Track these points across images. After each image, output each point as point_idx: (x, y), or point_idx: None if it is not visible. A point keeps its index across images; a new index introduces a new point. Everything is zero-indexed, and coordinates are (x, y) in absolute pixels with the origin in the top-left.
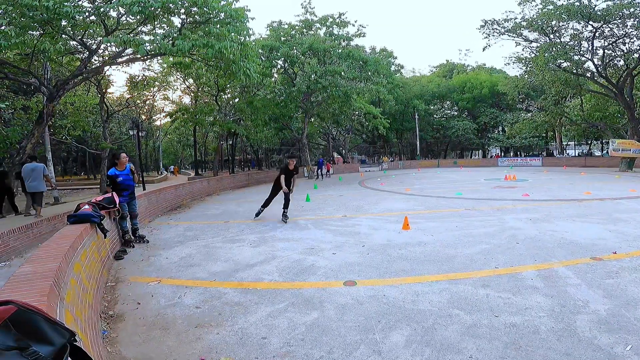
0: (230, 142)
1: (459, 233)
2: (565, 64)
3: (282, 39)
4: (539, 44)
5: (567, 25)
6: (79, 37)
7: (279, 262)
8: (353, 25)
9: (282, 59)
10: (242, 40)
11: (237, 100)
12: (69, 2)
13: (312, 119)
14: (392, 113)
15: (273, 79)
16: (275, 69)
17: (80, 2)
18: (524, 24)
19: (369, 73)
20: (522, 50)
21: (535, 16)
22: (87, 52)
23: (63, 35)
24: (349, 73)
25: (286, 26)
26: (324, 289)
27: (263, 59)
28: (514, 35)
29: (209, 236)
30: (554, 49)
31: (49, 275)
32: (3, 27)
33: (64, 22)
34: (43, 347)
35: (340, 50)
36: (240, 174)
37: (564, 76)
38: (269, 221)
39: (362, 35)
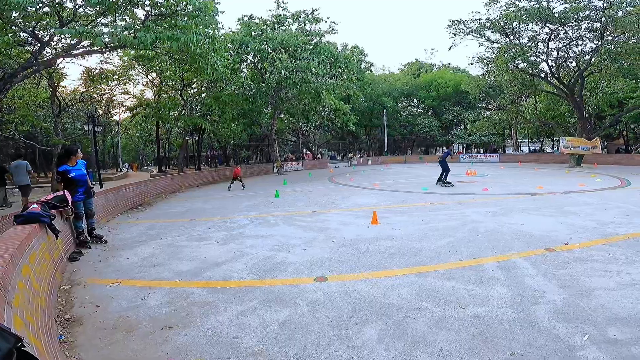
0: (197, 138)
1: (425, 227)
2: (522, 65)
3: (253, 33)
4: (499, 45)
5: (526, 27)
6: (30, 28)
7: (248, 259)
8: (325, 21)
9: (252, 54)
10: (210, 33)
11: (204, 95)
12: None
13: (282, 115)
14: (362, 110)
15: (242, 74)
16: (245, 64)
17: None
18: (488, 24)
19: (340, 70)
20: (485, 50)
21: (498, 17)
22: (39, 44)
23: (13, 27)
24: (319, 69)
25: (257, 21)
26: (295, 286)
27: (232, 53)
28: (478, 35)
29: (174, 235)
30: (512, 50)
31: None
32: None
33: (14, 14)
34: None
35: (311, 47)
36: (207, 171)
37: (520, 76)
38: (237, 218)
39: (334, 32)
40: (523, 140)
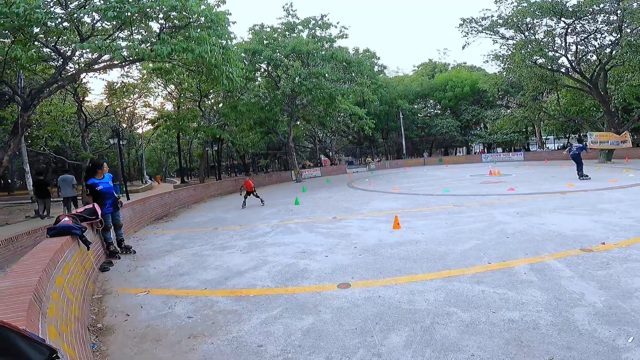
0: (216, 148)
1: (449, 230)
2: (540, 60)
3: (265, 42)
4: (515, 41)
5: (540, 22)
6: (53, 44)
7: (270, 267)
8: (335, 26)
9: (265, 62)
10: (223, 44)
11: (220, 105)
12: (41, 9)
13: (298, 122)
14: (377, 113)
15: (257, 82)
16: (259, 72)
17: (52, 9)
18: (500, 21)
19: (353, 74)
20: (500, 47)
21: (510, 13)
22: (62, 60)
23: (35, 43)
24: (333, 75)
25: (268, 29)
26: (319, 293)
27: (246, 62)
28: (491, 33)
29: (198, 244)
30: (529, 45)
31: (29, 290)
32: None
33: (36, 29)
34: None
35: (323, 52)
36: (227, 180)
37: (540, 72)
38: (258, 227)
39: (344, 36)
40: (548, 137)
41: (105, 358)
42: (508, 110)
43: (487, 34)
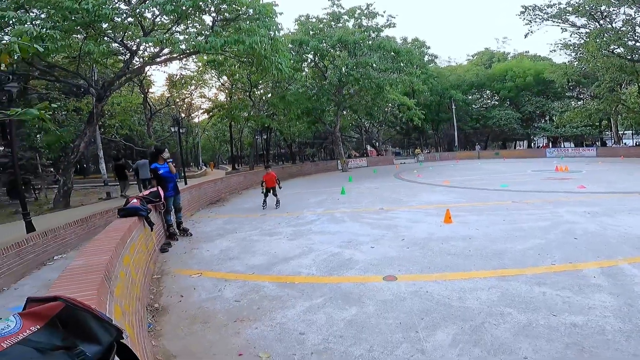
0: (265, 137)
1: (507, 227)
2: (619, 50)
3: (311, 32)
4: (588, 30)
5: (618, 11)
6: (120, 38)
7: (316, 255)
8: (382, 16)
9: (312, 52)
10: (272, 35)
11: (269, 95)
12: (107, 5)
13: (345, 112)
14: (427, 104)
15: (304, 73)
16: (306, 63)
17: (117, 5)
18: (570, 9)
19: (402, 64)
20: (570, 36)
21: (582, 1)
22: (129, 53)
23: (105, 38)
24: (380, 64)
25: (314, 20)
26: (363, 284)
27: (293, 53)
28: (560, 21)
29: (247, 229)
30: (605, 34)
31: (100, 269)
32: (48, 31)
33: (104, 25)
34: (90, 346)
35: (370, 42)
36: (274, 168)
37: (618, 62)
38: (304, 214)
39: (392, 25)
40: (625, 132)
41: (158, 338)
42: (579, 102)
43: (554, 22)
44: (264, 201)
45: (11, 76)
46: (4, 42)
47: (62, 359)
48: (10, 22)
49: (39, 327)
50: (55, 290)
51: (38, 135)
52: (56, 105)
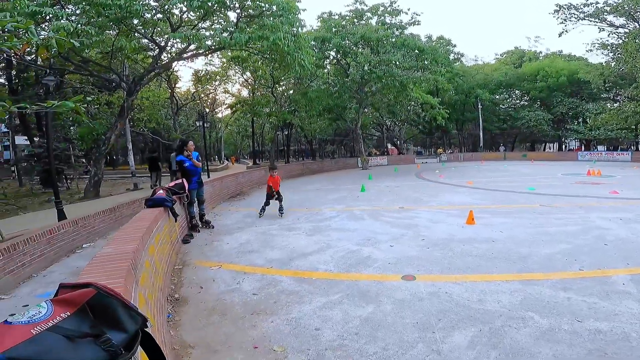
0: (286, 133)
1: (533, 231)
2: None
3: (333, 30)
4: (627, 30)
5: None
6: (150, 34)
7: (334, 252)
8: (406, 13)
9: (335, 49)
10: (295, 31)
11: (291, 91)
12: (138, 1)
13: (366, 110)
14: (452, 103)
15: (326, 70)
16: (328, 60)
17: (147, 1)
18: (608, 8)
19: (426, 62)
20: (608, 36)
21: (620, 0)
22: (157, 49)
23: (136, 34)
24: (404, 62)
25: (337, 17)
26: (381, 282)
27: (316, 50)
28: (597, 20)
29: (266, 224)
30: None
31: (127, 257)
32: (83, 27)
33: (135, 21)
34: (116, 333)
35: (394, 40)
36: (295, 164)
37: None
38: (323, 211)
39: (416, 23)
40: None
41: (177, 328)
42: (615, 104)
43: (590, 21)
44: (263, 208)
45: (48, 70)
46: (42, 37)
47: (88, 347)
48: (47, 17)
49: (69, 313)
50: (85, 276)
51: (72, 127)
52: (90, 99)
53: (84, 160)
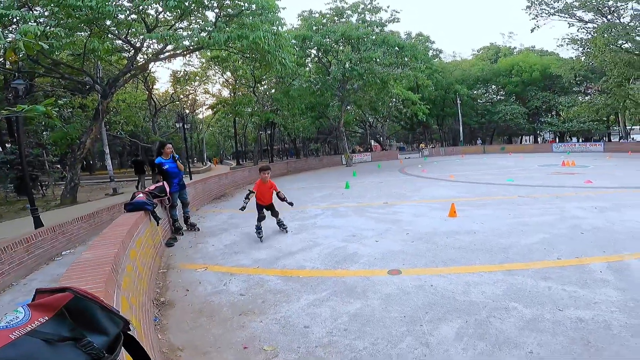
0: (269, 132)
1: (513, 222)
2: (627, 45)
3: (314, 28)
4: (595, 25)
5: (626, 6)
6: (124, 35)
7: (320, 249)
8: (386, 10)
9: (315, 48)
10: (275, 30)
11: (273, 90)
12: (110, 2)
13: (349, 107)
14: (432, 99)
15: (307, 68)
16: (309, 58)
17: (120, 2)
18: (577, 4)
19: (406, 59)
20: (577, 31)
21: None
22: (133, 50)
23: (109, 35)
24: (385, 59)
25: (317, 15)
26: (368, 278)
27: (297, 49)
28: (566, 15)
29: (251, 223)
30: (613, 29)
31: (108, 262)
32: (53, 29)
33: (108, 22)
34: (97, 337)
35: (374, 37)
36: (279, 163)
37: (626, 57)
38: (309, 209)
39: (396, 20)
40: (633, 127)
41: (164, 331)
42: (586, 97)
43: (560, 16)
44: (259, 227)
45: (17, 73)
46: (9, 39)
47: (69, 351)
48: (14, 20)
49: (47, 318)
50: (64, 282)
51: (45, 132)
52: (62, 102)
53: (59, 166)
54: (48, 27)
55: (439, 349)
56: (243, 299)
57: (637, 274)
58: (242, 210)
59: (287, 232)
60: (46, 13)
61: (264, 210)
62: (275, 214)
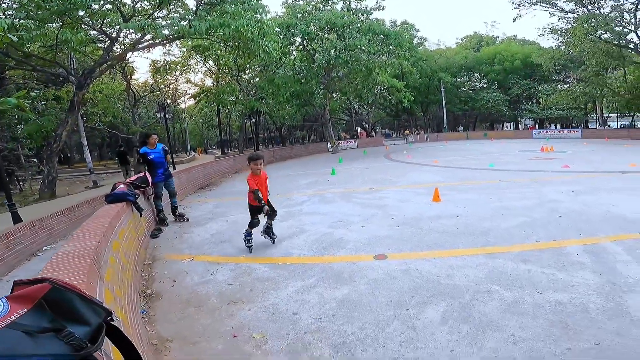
0: (254, 121)
1: (494, 205)
2: (606, 35)
3: (299, 15)
4: (576, 15)
5: None
6: (99, 26)
7: (307, 236)
8: None
9: (300, 36)
10: (258, 18)
11: (257, 79)
12: None
13: (334, 95)
14: (417, 86)
15: (292, 56)
16: (294, 46)
17: None
18: None
19: (391, 47)
20: (558, 21)
21: None
22: (108, 41)
23: (83, 26)
24: (370, 47)
25: (302, 2)
26: (354, 263)
27: (281, 37)
28: (548, 5)
29: (238, 212)
30: (592, 20)
31: (88, 254)
32: (22, 21)
33: (81, 12)
34: (79, 327)
35: (359, 25)
36: (264, 151)
37: (605, 47)
38: (295, 196)
39: (381, 8)
40: (610, 114)
41: (152, 323)
42: (565, 86)
43: (542, 6)
44: (248, 234)
45: None
46: None
47: (50, 342)
48: None
49: (26, 309)
50: (45, 275)
51: (19, 126)
52: (35, 94)
53: (35, 159)
54: (17, 20)
55: (425, 332)
56: (231, 288)
57: (613, 257)
58: (271, 212)
59: (274, 242)
60: (15, 5)
61: (258, 214)
62: (274, 214)
